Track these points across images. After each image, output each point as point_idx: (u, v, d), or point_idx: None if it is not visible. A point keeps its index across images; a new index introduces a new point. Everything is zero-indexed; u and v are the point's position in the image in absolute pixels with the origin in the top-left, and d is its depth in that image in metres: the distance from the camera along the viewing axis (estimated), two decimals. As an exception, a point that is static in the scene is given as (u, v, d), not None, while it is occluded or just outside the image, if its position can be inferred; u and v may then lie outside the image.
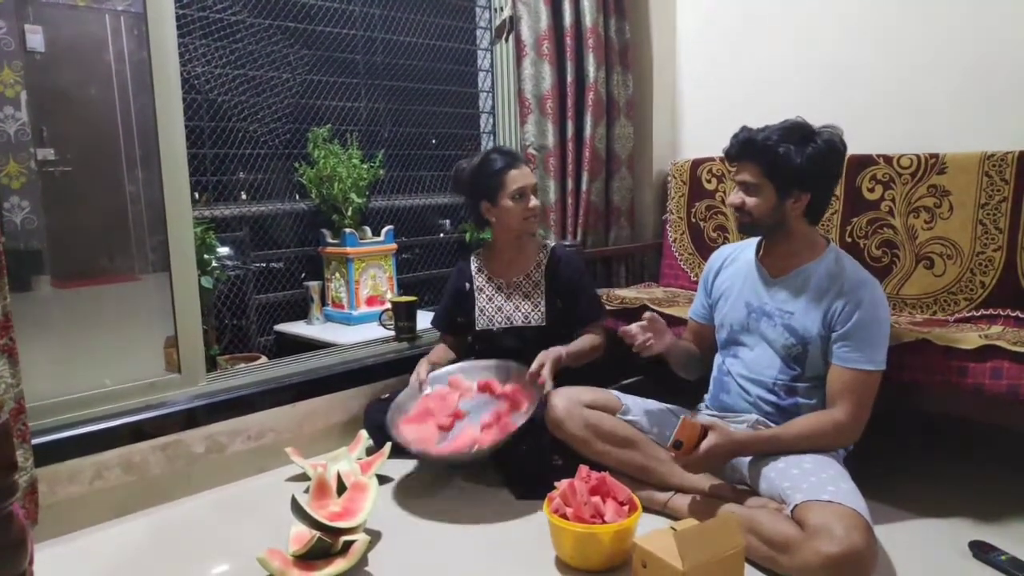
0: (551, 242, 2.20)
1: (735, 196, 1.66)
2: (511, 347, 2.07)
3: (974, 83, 2.17)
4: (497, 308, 2.10)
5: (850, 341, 1.56)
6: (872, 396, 1.57)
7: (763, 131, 1.61)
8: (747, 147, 1.61)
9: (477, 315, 2.11)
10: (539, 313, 2.07)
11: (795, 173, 1.57)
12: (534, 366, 1.85)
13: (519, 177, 2.01)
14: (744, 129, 1.65)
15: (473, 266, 2.17)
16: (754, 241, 1.79)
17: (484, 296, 2.12)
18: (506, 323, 2.09)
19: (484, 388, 1.93)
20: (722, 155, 2.47)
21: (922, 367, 1.66)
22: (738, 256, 1.82)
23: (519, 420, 1.76)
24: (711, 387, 1.85)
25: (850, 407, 1.55)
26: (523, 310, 2.08)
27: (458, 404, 1.89)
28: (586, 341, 2.03)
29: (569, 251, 2.22)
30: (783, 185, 1.59)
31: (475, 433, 1.78)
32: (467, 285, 2.15)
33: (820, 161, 1.57)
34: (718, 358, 1.82)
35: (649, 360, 1.77)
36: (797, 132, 1.59)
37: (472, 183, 2.06)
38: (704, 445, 1.53)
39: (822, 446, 1.56)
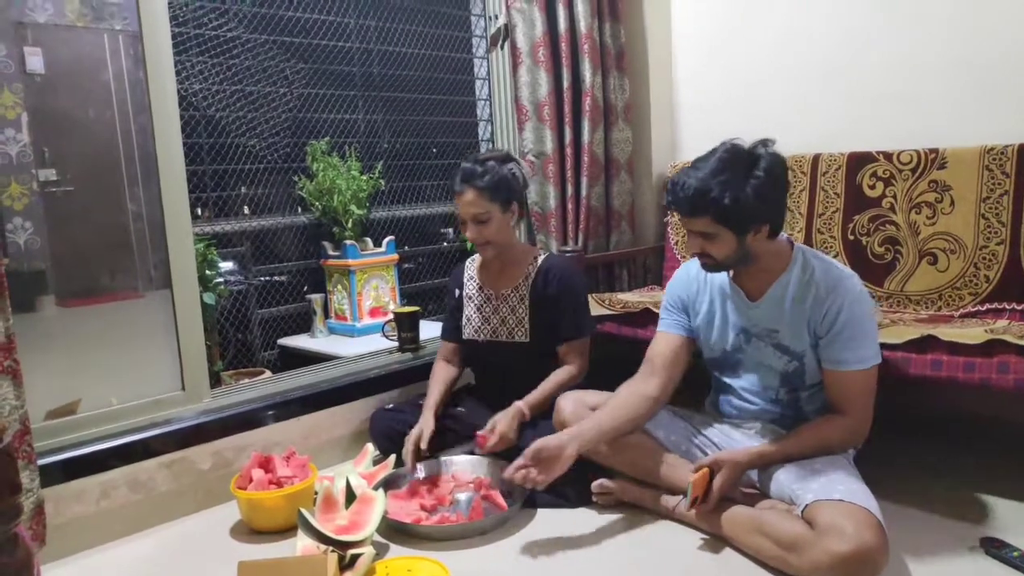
0: (542, 253, 2.07)
1: (693, 245, 1.58)
2: (496, 360, 2.06)
3: (973, 77, 2.17)
4: (484, 319, 2.05)
5: (839, 344, 1.52)
6: (873, 391, 1.55)
7: (699, 178, 1.48)
8: (692, 203, 1.50)
9: (464, 323, 2.08)
10: (523, 329, 2.00)
11: (748, 214, 1.48)
12: (486, 429, 1.82)
13: (460, 204, 1.93)
14: (679, 184, 1.53)
15: (466, 273, 2.13)
16: None
17: (472, 305, 2.08)
18: (491, 336, 2.04)
19: (477, 485, 1.84)
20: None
21: (928, 363, 1.65)
22: (709, 276, 1.72)
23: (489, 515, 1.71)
24: (712, 395, 1.83)
25: (854, 409, 1.54)
26: (508, 324, 2.02)
27: (451, 492, 1.82)
28: (551, 383, 1.92)
29: (562, 261, 2.08)
30: (740, 227, 1.50)
31: (451, 518, 1.72)
32: (457, 292, 2.12)
33: (767, 194, 1.48)
34: (715, 374, 1.80)
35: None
36: (736, 168, 1.48)
37: None
38: (717, 485, 1.53)
39: (832, 450, 1.55)
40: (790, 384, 1.64)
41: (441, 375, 2.07)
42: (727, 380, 1.75)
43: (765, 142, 1.53)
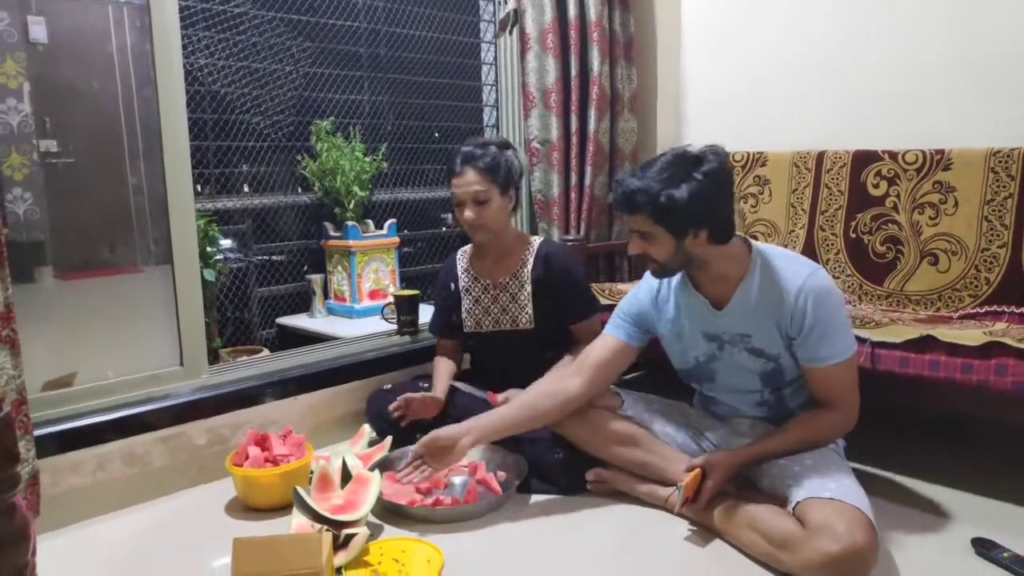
0: (537, 239, 2.08)
1: (634, 245, 1.58)
2: (501, 350, 2.07)
3: (980, 79, 2.16)
4: (484, 310, 2.05)
5: (812, 343, 1.51)
6: (855, 380, 1.55)
7: (642, 178, 1.50)
8: (629, 200, 1.52)
9: (464, 317, 2.07)
10: (527, 316, 2.01)
11: (683, 215, 1.47)
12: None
13: (456, 185, 1.93)
14: (622, 181, 1.56)
15: (459, 265, 2.11)
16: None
17: (470, 297, 2.07)
18: (494, 326, 2.04)
19: (472, 469, 1.82)
20: (727, 150, 2.46)
21: (926, 363, 1.66)
22: (671, 287, 1.70)
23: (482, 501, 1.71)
24: (699, 397, 1.82)
25: (840, 402, 1.54)
26: (511, 313, 2.02)
27: (446, 476, 1.80)
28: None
29: (557, 246, 2.12)
30: (675, 228, 1.50)
31: (446, 501, 1.70)
32: (452, 285, 2.11)
33: (704, 196, 1.46)
34: (694, 387, 1.80)
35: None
36: (675, 171, 1.48)
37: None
38: (708, 487, 1.53)
39: (823, 443, 1.56)
40: (772, 383, 1.63)
41: (445, 367, 2.08)
42: (708, 392, 1.75)
43: (714, 148, 1.53)
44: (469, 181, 1.91)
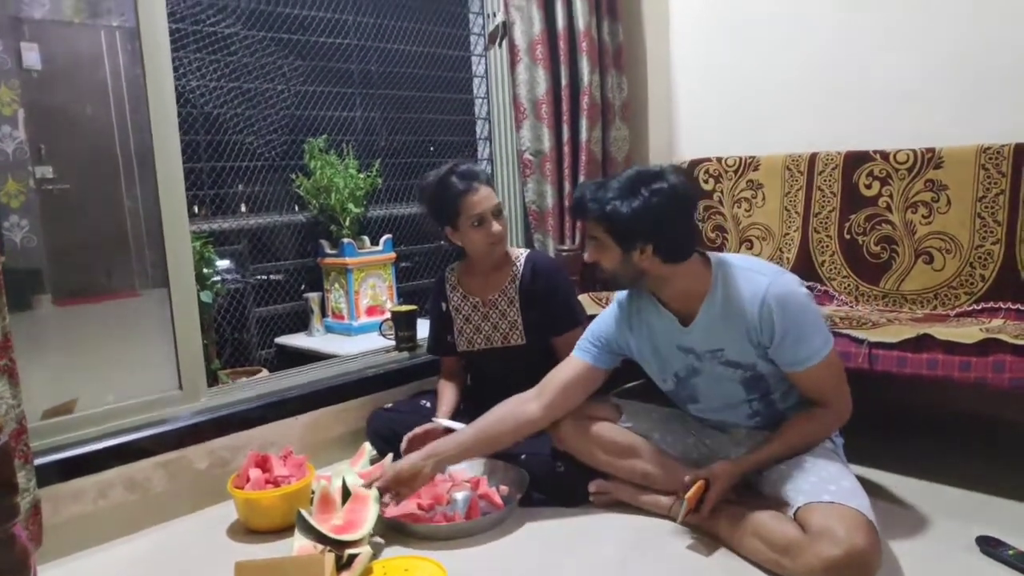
0: (522, 251, 2.06)
1: (588, 252, 1.62)
2: (495, 367, 2.06)
3: (969, 77, 2.17)
4: (475, 329, 2.03)
5: (786, 348, 1.50)
6: (841, 374, 1.56)
7: (602, 187, 1.54)
8: (580, 204, 1.57)
9: (456, 336, 2.06)
10: (518, 332, 2.00)
11: (628, 228, 1.50)
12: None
13: (478, 202, 1.89)
14: (582, 186, 1.61)
15: (448, 284, 2.09)
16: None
17: (461, 316, 2.05)
18: (486, 344, 2.03)
19: (474, 485, 1.79)
20: (719, 155, 2.49)
21: (924, 362, 1.66)
22: (640, 306, 1.69)
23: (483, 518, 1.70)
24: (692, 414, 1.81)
25: (831, 399, 1.55)
26: (501, 330, 2.01)
27: (448, 492, 1.78)
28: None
29: (544, 257, 2.10)
30: (622, 240, 1.52)
31: (449, 516, 1.70)
32: (443, 305, 2.09)
33: (648, 213, 1.48)
34: (681, 405, 1.78)
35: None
36: (631, 185, 1.51)
37: (431, 208, 1.97)
38: (710, 498, 1.53)
39: (822, 439, 1.57)
40: (757, 389, 1.62)
41: (449, 391, 2.05)
42: (697, 414, 1.75)
43: (676, 168, 1.57)
44: (487, 195, 1.91)
